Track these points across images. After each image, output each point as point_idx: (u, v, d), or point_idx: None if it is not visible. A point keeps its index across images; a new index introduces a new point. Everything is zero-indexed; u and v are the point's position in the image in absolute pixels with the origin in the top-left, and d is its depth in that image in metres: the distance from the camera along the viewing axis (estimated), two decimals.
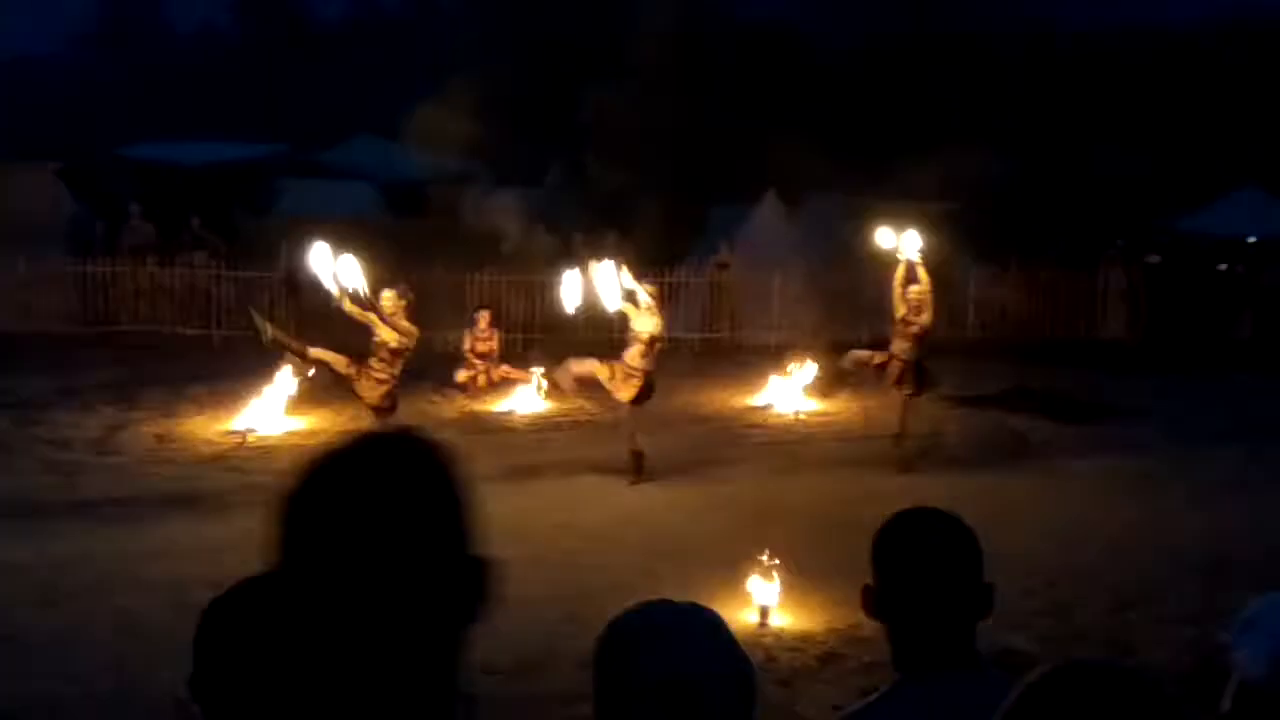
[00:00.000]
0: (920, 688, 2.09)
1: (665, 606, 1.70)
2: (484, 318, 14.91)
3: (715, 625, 1.67)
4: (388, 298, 10.26)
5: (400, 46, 36.11)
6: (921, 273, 11.11)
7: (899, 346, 11.19)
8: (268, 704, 1.23)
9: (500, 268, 17.93)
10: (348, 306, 10.06)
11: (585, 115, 22.08)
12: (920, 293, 11.05)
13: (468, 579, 1.27)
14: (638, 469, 10.61)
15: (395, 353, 10.25)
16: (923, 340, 11.17)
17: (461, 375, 14.43)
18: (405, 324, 10.24)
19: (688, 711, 1.58)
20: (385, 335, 10.15)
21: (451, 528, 1.27)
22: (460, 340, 14.84)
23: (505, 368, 14.64)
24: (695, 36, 22.31)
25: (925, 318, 11.07)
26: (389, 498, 1.24)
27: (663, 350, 10.76)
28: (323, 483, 1.25)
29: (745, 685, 1.64)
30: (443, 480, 1.28)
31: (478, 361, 14.57)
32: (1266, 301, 18.82)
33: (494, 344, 14.73)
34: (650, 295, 10.60)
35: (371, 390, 10.31)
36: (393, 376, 10.31)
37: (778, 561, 7.55)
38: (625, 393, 10.51)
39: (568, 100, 22.97)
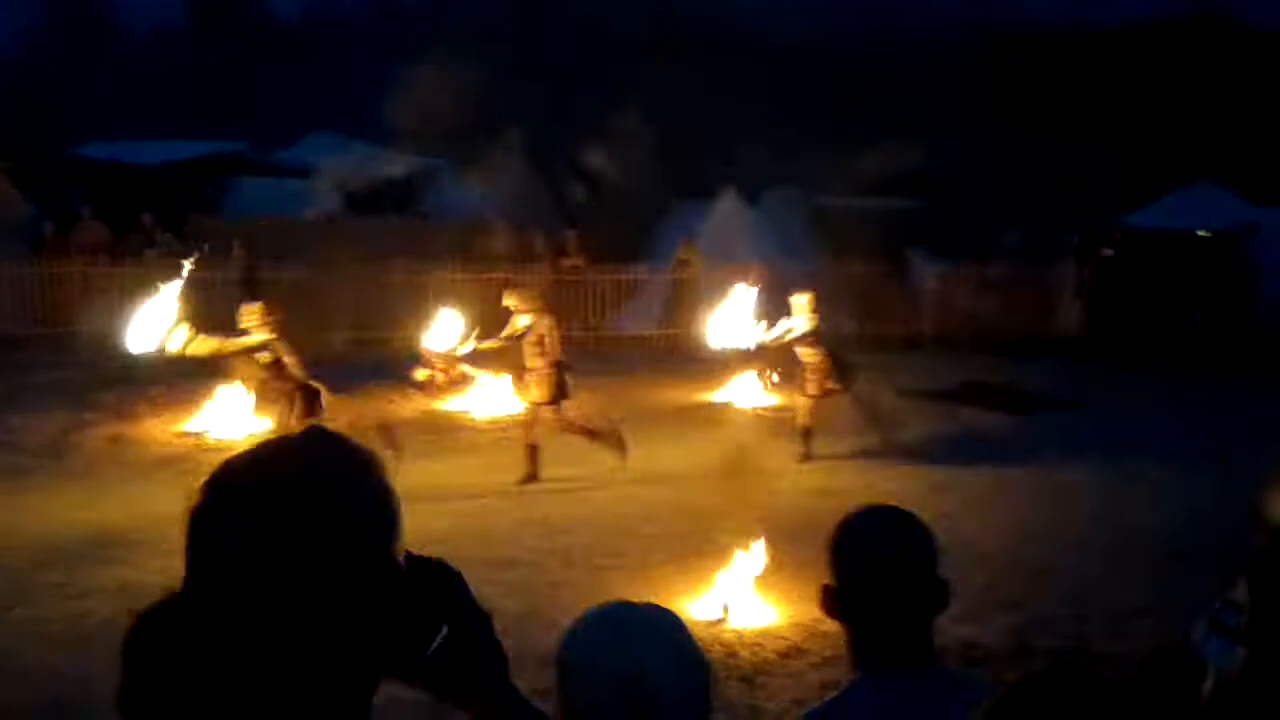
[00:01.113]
0: (878, 685, 2.09)
1: (625, 606, 1.77)
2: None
3: (674, 624, 1.73)
4: (251, 311, 9.89)
5: (358, 43, 35.85)
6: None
7: (802, 354, 11.47)
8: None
9: (461, 265, 17.83)
10: (201, 347, 9.44)
11: (546, 111, 22.04)
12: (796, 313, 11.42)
13: (380, 586, 1.22)
14: (619, 446, 10.64)
15: (274, 368, 9.85)
16: (814, 340, 11.38)
17: (420, 374, 14.36)
18: (253, 339, 9.75)
19: (647, 708, 1.63)
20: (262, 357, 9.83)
21: (366, 533, 1.21)
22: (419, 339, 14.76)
23: (464, 366, 14.56)
24: (656, 32, 22.33)
25: (807, 327, 11.36)
26: (297, 502, 1.19)
27: (552, 340, 10.71)
28: (226, 492, 1.22)
29: (703, 682, 1.69)
30: (355, 484, 1.23)
31: (437, 360, 14.49)
32: (1219, 295, 19.08)
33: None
34: (525, 304, 10.70)
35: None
36: (291, 390, 9.85)
37: (739, 558, 7.56)
38: (540, 391, 10.53)
39: (529, 95, 22.91)
